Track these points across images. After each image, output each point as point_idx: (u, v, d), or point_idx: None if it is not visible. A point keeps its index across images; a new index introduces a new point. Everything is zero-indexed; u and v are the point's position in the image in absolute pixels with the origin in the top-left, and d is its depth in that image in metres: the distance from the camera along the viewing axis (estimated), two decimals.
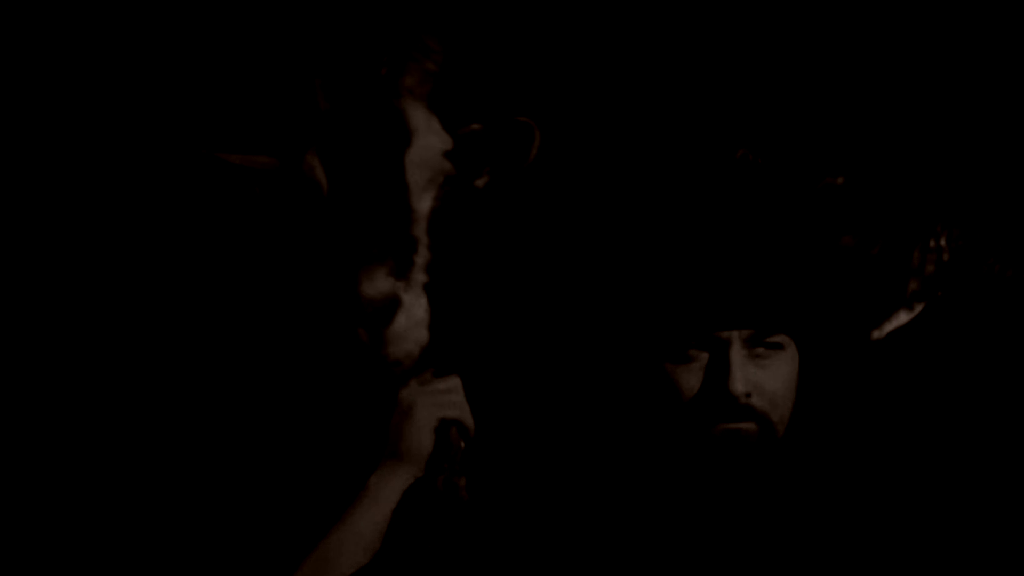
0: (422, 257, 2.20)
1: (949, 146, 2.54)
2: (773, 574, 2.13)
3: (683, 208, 2.21)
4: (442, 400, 2.21)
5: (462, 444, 2.21)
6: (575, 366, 2.41)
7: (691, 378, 2.13)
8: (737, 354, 2.11)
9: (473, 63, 2.37)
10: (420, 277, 2.20)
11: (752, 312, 2.12)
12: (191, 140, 2.32)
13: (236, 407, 2.41)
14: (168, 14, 2.46)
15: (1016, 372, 2.48)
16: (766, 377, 2.13)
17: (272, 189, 2.24)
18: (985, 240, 2.53)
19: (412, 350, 2.20)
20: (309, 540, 2.20)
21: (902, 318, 2.49)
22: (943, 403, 2.45)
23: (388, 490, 2.19)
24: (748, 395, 2.11)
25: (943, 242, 2.50)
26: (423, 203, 2.21)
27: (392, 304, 2.17)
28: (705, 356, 2.12)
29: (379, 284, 2.16)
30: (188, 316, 2.44)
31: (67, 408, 2.45)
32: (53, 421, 2.45)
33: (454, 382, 2.23)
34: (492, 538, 2.17)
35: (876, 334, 2.49)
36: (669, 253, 2.17)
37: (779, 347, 2.13)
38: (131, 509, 2.40)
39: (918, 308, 2.50)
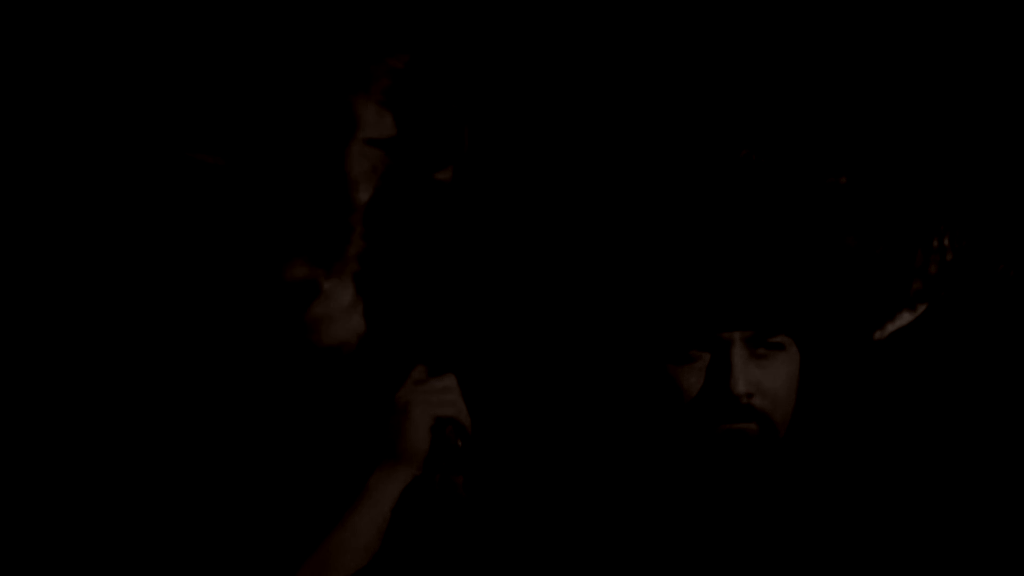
0: (355, 247, 2.21)
1: (952, 146, 2.54)
2: (774, 574, 2.13)
3: (685, 208, 2.21)
4: (438, 399, 2.21)
5: (459, 443, 2.22)
6: (575, 365, 2.41)
7: (692, 378, 2.12)
8: (739, 354, 2.11)
9: (460, 62, 2.37)
10: (351, 266, 2.20)
11: (754, 312, 2.12)
12: (156, 139, 2.32)
13: (233, 409, 2.40)
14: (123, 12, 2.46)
15: (1018, 373, 2.47)
16: (767, 377, 2.12)
17: (223, 185, 2.25)
18: (989, 240, 2.53)
19: (344, 337, 2.21)
20: (309, 542, 2.20)
21: (905, 318, 2.49)
22: (945, 404, 2.45)
23: (386, 490, 2.19)
24: (750, 395, 2.10)
25: (946, 242, 2.49)
26: (362, 194, 2.22)
27: (311, 290, 2.18)
28: (706, 356, 2.12)
29: (297, 270, 2.17)
30: (178, 316, 2.43)
31: (52, 410, 2.45)
32: (41, 423, 2.44)
33: (450, 381, 2.23)
34: (491, 537, 2.17)
35: (878, 334, 2.48)
36: (670, 253, 2.17)
37: (781, 347, 2.13)
38: (130, 512, 2.39)
39: (921, 308, 2.49)
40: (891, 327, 2.48)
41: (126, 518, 2.39)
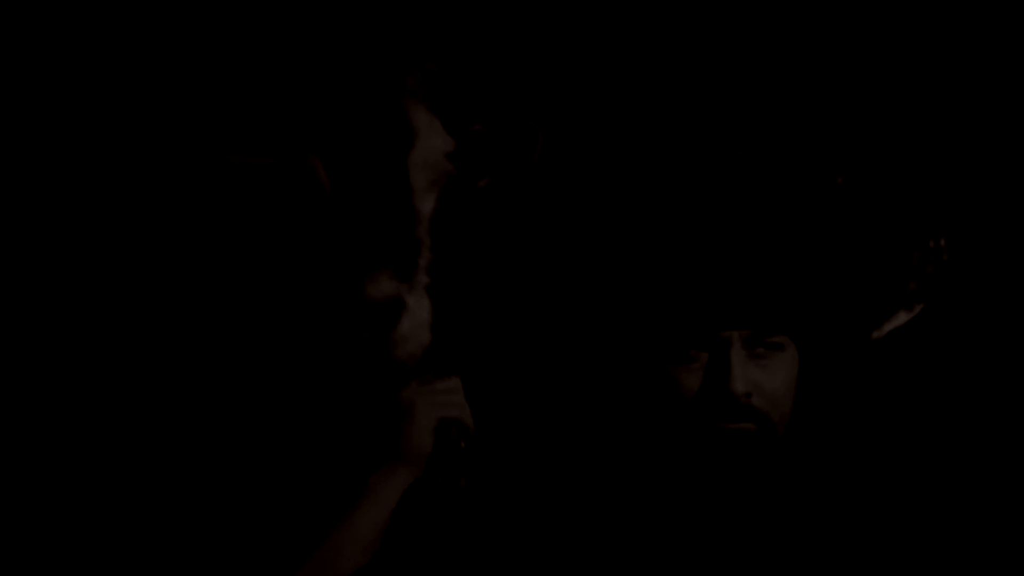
0: (425, 259, 2.20)
1: (949, 146, 2.54)
2: (773, 574, 2.13)
3: (683, 208, 2.21)
4: (442, 400, 2.21)
5: (462, 444, 2.21)
6: (575, 366, 2.41)
7: (691, 378, 2.13)
8: (737, 354, 2.11)
9: (476, 64, 2.37)
10: (423, 279, 2.20)
11: (752, 312, 2.12)
12: (195, 142, 2.32)
13: (237, 408, 2.40)
14: (170, 13, 2.46)
15: (1016, 372, 2.48)
16: (766, 377, 2.13)
17: (274, 191, 2.24)
18: (985, 241, 2.53)
19: (416, 351, 2.21)
20: (309, 540, 2.20)
21: (902, 318, 2.49)
22: (942, 403, 2.45)
23: (388, 490, 2.19)
24: (748, 395, 2.11)
25: (943, 242, 2.50)
26: (426, 205, 2.22)
27: (397, 306, 2.17)
28: (705, 356, 2.12)
29: (383, 287, 2.16)
30: (191, 318, 2.43)
31: (69, 408, 2.45)
32: (54, 421, 2.45)
33: (454, 382, 2.22)
34: (492, 538, 2.17)
35: (876, 334, 2.49)
36: (670, 253, 2.17)
37: (779, 347, 2.13)
38: (131, 509, 2.40)
39: (918, 308, 2.49)
40: (888, 327, 2.49)
41: (127, 518, 2.39)
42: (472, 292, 2.38)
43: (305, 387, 2.41)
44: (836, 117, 2.55)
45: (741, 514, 2.15)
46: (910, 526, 2.17)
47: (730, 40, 2.58)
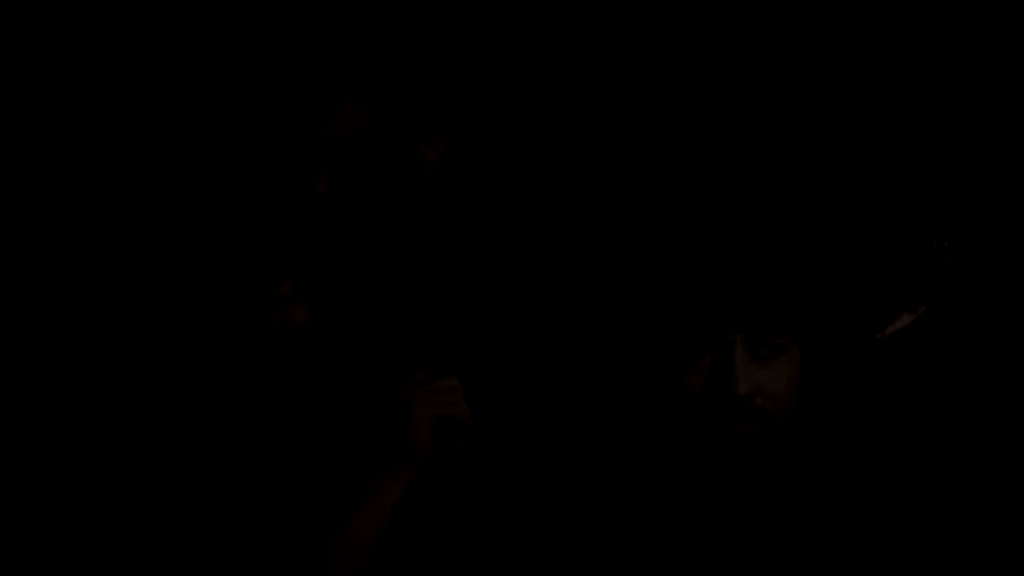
0: (302, 242, 2.22)
1: (952, 148, 2.54)
2: (775, 573, 2.13)
3: (686, 209, 2.21)
4: (441, 399, 2.21)
5: (461, 443, 2.22)
6: (576, 366, 2.41)
7: (694, 379, 2.12)
8: (740, 356, 2.11)
9: (454, 64, 2.38)
10: (291, 259, 2.22)
11: (755, 314, 2.12)
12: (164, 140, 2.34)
13: (234, 408, 2.40)
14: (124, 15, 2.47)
15: (1017, 373, 2.48)
16: (769, 378, 2.12)
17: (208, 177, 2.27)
18: (988, 242, 2.53)
19: (289, 325, 2.22)
20: (309, 541, 2.20)
21: (905, 320, 2.49)
22: (945, 404, 2.45)
23: (387, 490, 2.19)
24: (751, 396, 2.11)
25: (946, 243, 2.50)
26: (320, 187, 2.24)
27: (253, 281, 2.20)
28: (708, 357, 2.12)
29: (242, 262, 2.19)
30: (180, 314, 2.44)
31: (59, 409, 2.45)
32: (46, 422, 2.45)
33: (453, 381, 2.23)
34: (492, 537, 2.17)
35: (879, 335, 2.49)
36: (672, 254, 2.17)
37: (782, 348, 2.13)
38: (129, 510, 2.40)
39: (921, 310, 2.50)
40: (892, 328, 2.49)
41: (126, 518, 2.39)
42: (474, 289, 2.39)
43: (303, 387, 2.41)
44: (839, 119, 2.55)
45: (744, 514, 2.15)
46: (912, 526, 2.17)
47: (733, 42, 2.58)
